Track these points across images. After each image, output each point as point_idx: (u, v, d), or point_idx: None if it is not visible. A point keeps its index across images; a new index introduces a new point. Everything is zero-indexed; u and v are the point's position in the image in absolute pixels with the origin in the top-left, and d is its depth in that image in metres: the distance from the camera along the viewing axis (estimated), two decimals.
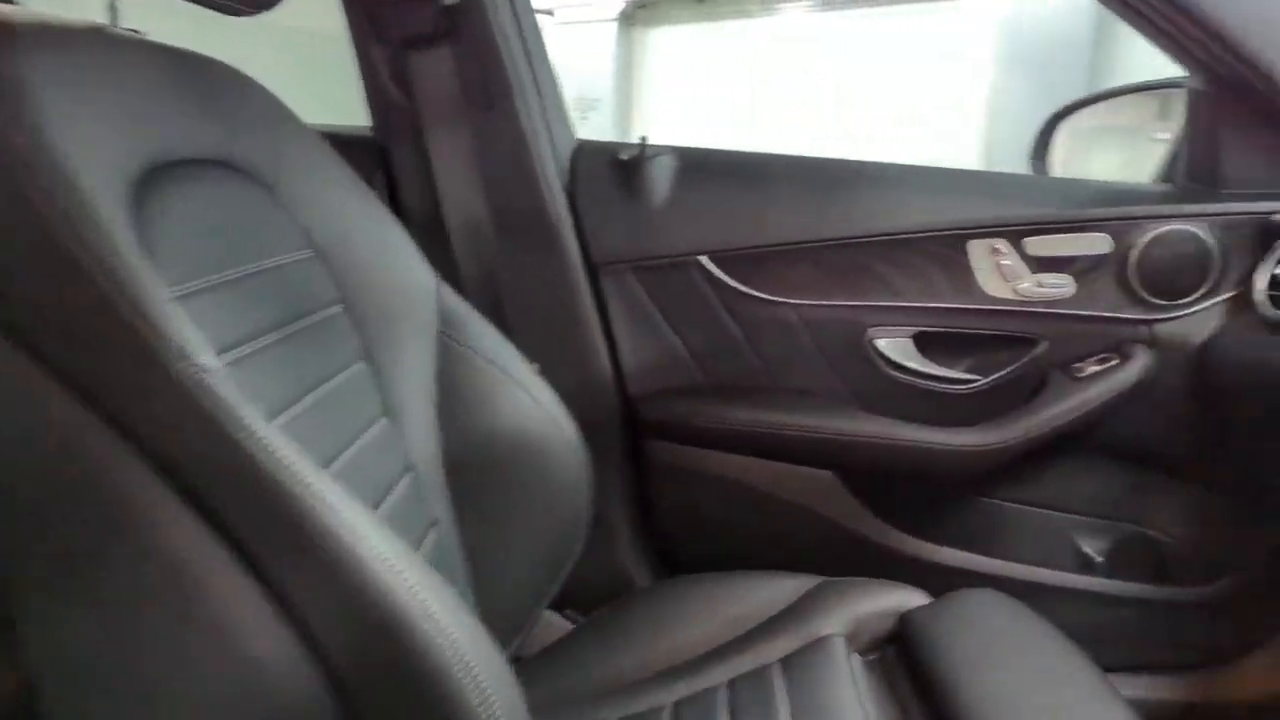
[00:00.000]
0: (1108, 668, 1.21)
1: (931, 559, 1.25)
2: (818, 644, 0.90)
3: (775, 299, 1.24)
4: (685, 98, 6.37)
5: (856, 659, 0.90)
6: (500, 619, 0.93)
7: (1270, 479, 1.12)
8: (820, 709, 0.80)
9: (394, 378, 0.89)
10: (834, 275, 1.22)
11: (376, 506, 0.77)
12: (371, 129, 1.34)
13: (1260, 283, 1.03)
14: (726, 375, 1.28)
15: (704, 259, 1.24)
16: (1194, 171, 1.13)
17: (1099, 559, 1.22)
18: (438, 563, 0.88)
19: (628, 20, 6.36)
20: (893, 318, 1.21)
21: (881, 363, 1.22)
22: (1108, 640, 1.20)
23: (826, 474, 1.24)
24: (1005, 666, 0.84)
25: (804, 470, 1.25)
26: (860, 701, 0.81)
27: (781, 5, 6.06)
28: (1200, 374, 1.09)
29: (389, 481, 0.81)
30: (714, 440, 1.27)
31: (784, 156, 1.26)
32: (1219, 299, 1.09)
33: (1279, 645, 1.16)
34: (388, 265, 0.91)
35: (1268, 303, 1.02)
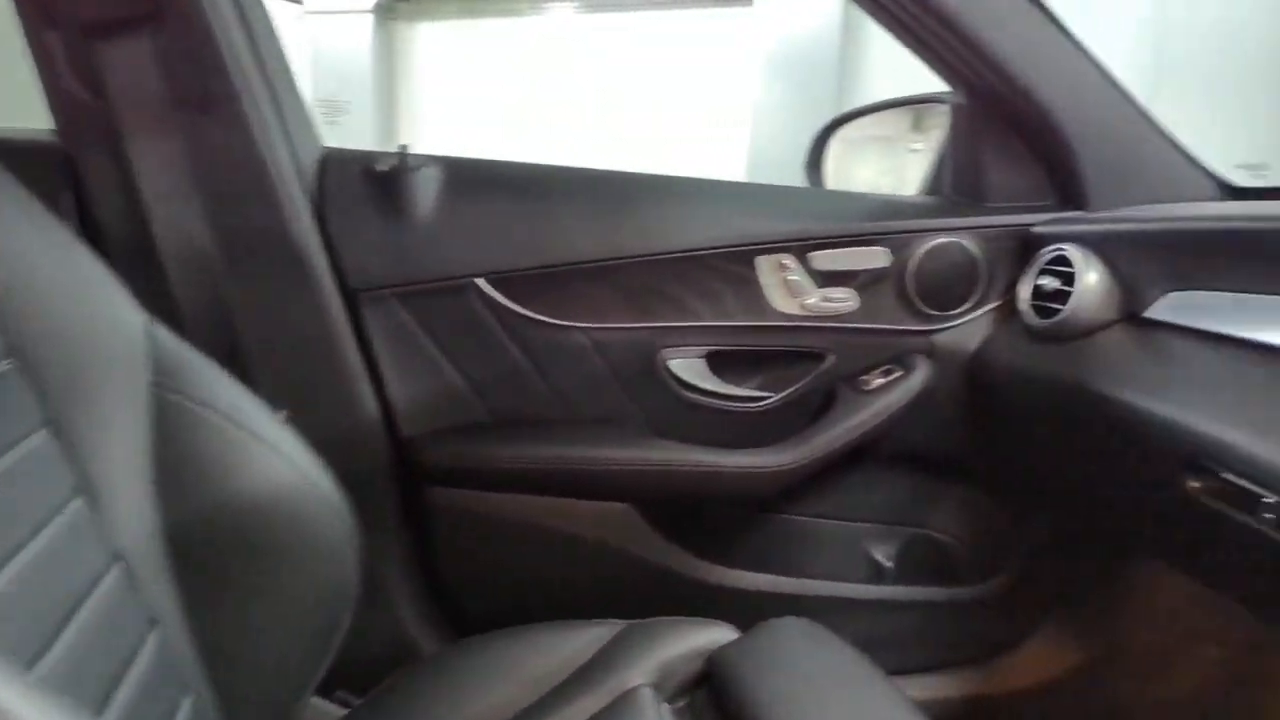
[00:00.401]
0: (900, 671, 1.24)
1: (736, 586, 1.21)
2: (624, 698, 0.82)
3: (563, 323, 1.14)
4: (451, 99, 6.14)
5: (665, 709, 0.83)
6: (254, 718, 0.76)
7: (1032, 479, 1.18)
8: None
9: (91, 447, 0.69)
10: (625, 295, 1.14)
11: (73, 613, 0.59)
12: (54, 133, 1.08)
13: (1024, 292, 1.07)
14: (512, 408, 1.17)
15: (481, 281, 1.12)
16: (959, 184, 1.17)
17: (888, 564, 1.23)
18: (161, 670, 0.70)
19: (387, 13, 6.00)
20: (685, 338, 1.15)
21: (675, 385, 1.16)
22: (900, 645, 1.23)
23: (622, 507, 1.17)
24: (812, 701, 0.81)
25: (599, 505, 1.16)
26: None
27: (549, 4, 6.00)
28: (972, 381, 1.13)
29: (90, 578, 0.63)
30: (501, 481, 1.15)
31: (566, 169, 1.16)
32: (988, 308, 1.12)
33: (1046, 634, 1.23)
34: (77, 304, 0.70)
35: (1031, 311, 1.06)
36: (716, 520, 1.23)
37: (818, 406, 1.18)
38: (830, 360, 1.16)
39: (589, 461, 1.12)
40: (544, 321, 1.13)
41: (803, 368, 1.17)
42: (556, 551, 1.17)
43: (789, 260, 1.12)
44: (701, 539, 1.22)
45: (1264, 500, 0.74)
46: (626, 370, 1.15)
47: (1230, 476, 0.78)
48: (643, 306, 1.14)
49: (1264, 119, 6.03)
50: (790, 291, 1.13)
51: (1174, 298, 0.93)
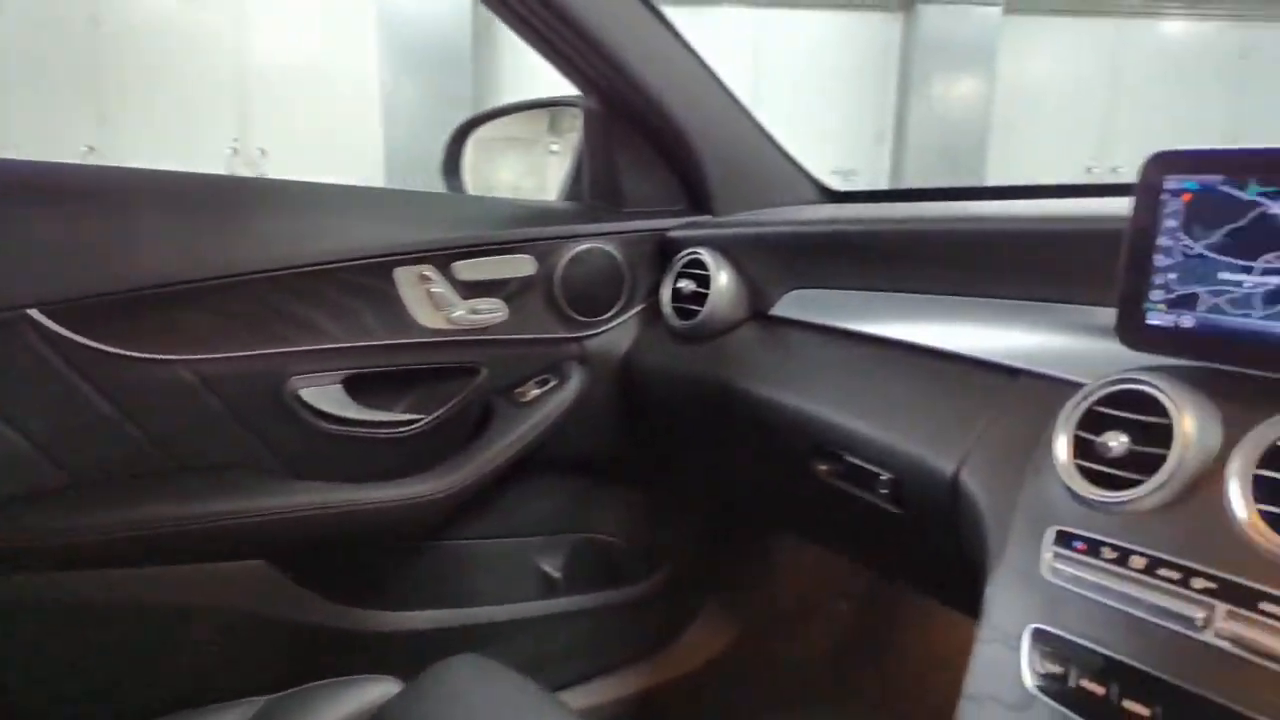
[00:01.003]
0: (575, 682, 1.22)
1: (400, 630, 1.11)
2: None
3: (158, 356, 0.94)
4: None
5: None
6: None
7: (684, 474, 1.23)
8: None
9: None
10: (238, 319, 0.97)
11: None
12: None
13: (665, 295, 1.10)
14: (96, 466, 0.94)
15: (35, 312, 0.88)
16: (597, 190, 1.17)
17: (557, 575, 1.21)
18: None
19: None
20: (317, 362, 1.02)
21: (310, 416, 1.02)
22: (572, 655, 1.21)
23: (257, 564, 1.00)
24: None
25: (227, 567, 0.99)
26: None
27: None
28: (624, 383, 1.14)
29: None
30: (85, 557, 0.92)
31: (144, 173, 0.96)
32: (634, 312, 1.14)
33: (705, 618, 1.30)
34: None
35: (673, 314, 1.09)
36: (370, 561, 1.11)
37: (475, 424, 1.11)
38: (484, 375, 1.09)
39: (208, 518, 0.94)
40: (129, 356, 0.92)
41: (455, 384, 1.09)
42: (170, 632, 0.97)
43: (431, 271, 1.03)
44: (354, 585, 1.09)
45: (880, 477, 0.82)
46: (247, 406, 0.99)
47: (851, 458, 0.85)
48: (263, 330, 0.98)
49: (851, 130, 7.14)
50: (435, 304, 1.04)
51: (794, 295, 1.01)
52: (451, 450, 1.07)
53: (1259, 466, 0.53)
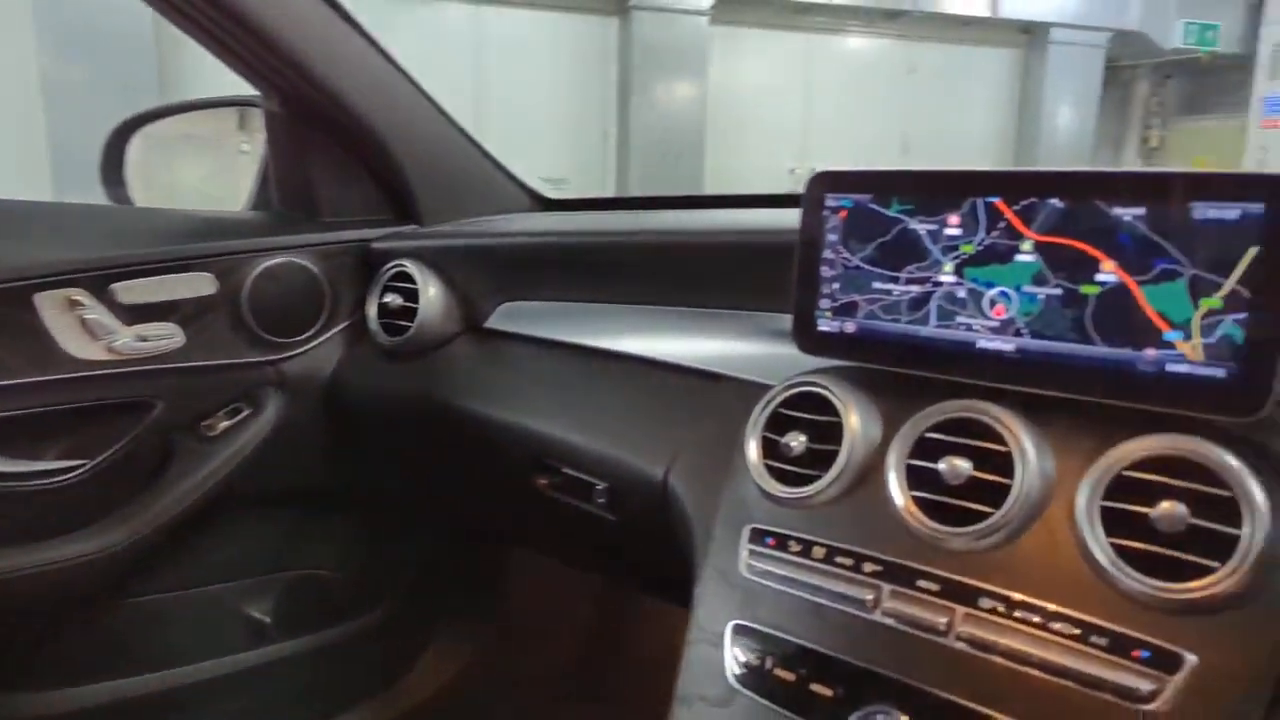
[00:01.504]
0: None
1: (70, 710, 0.95)
2: None
3: None
4: None
5: None
6: None
7: (404, 499, 1.17)
8: None
9: None
10: None
11: None
12: None
13: (371, 310, 1.04)
14: None
15: None
16: (287, 198, 1.07)
17: (267, 620, 1.11)
18: None
19: None
20: None
21: None
22: (293, 702, 1.12)
23: None
24: None
25: None
26: None
27: None
28: (330, 407, 1.06)
29: None
30: None
31: None
32: (337, 329, 1.06)
33: (440, 644, 1.25)
34: None
35: (380, 330, 1.02)
36: (28, 636, 0.94)
37: (154, 466, 0.97)
38: (159, 409, 0.96)
39: None
40: None
41: (125, 423, 0.95)
42: None
43: (82, 295, 0.89)
44: (8, 666, 0.92)
45: (597, 487, 0.83)
46: None
47: (569, 470, 0.85)
48: None
49: (580, 130, 7.24)
50: (90, 333, 0.90)
51: (508, 307, 0.99)
52: (124, 499, 0.94)
53: (910, 457, 0.59)
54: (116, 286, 0.90)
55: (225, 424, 0.98)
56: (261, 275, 0.98)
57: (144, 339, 0.92)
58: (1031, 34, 8.59)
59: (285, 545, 1.13)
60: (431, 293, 0.99)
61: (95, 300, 0.89)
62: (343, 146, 1.05)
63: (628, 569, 0.99)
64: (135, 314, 0.92)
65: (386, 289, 1.02)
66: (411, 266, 1.00)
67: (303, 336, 1.03)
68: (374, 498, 1.15)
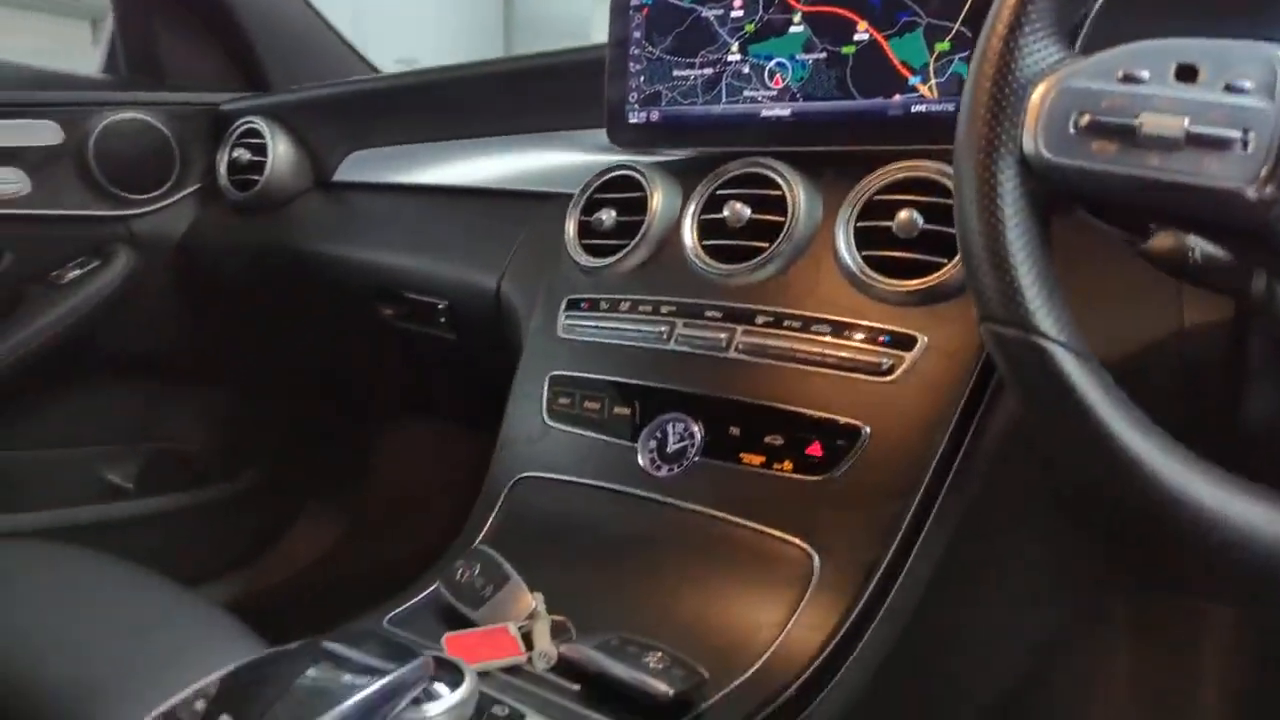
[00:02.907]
0: None
1: None
2: None
3: None
4: None
5: None
6: None
7: (264, 363, 1.18)
8: None
9: None
10: None
11: None
12: None
13: (221, 168, 1.05)
14: None
15: None
16: (134, 63, 1.08)
17: (128, 485, 1.11)
18: None
19: None
20: None
21: None
22: (148, 563, 1.12)
23: None
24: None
25: None
26: None
27: None
28: (184, 268, 1.07)
29: None
30: None
31: None
32: (189, 190, 1.07)
33: (310, 514, 1.26)
34: None
35: (230, 187, 1.04)
36: None
37: (3, 313, 0.97)
38: (7, 258, 0.96)
39: None
40: None
41: None
42: None
43: None
44: None
45: (438, 306, 0.87)
46: None
47: (412, 295, 0.90)
48: None
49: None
50: None
51: (355, 156, 1.02)
52: None
53: (702, 213, 0.66)
54: None
55: (75, 273, 0.99)
56: (108, 129, 0.99)
57: None
58: None
59: (146, 414, 1.13)
60: (280, 149, 1.01)
61: None
62: (189, 12, 1.06)
63: (474, 398, 1.02)
64: None
65: (235, 146, 1.04)
66: (260, 122, 1.02)
67: (153, 194, 1.04)
68: (234, 366, 1.16)
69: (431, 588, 0.58)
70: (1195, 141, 0.32)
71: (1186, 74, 0.33)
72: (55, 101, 0.96)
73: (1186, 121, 0.32)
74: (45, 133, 0.96)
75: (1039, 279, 0.34)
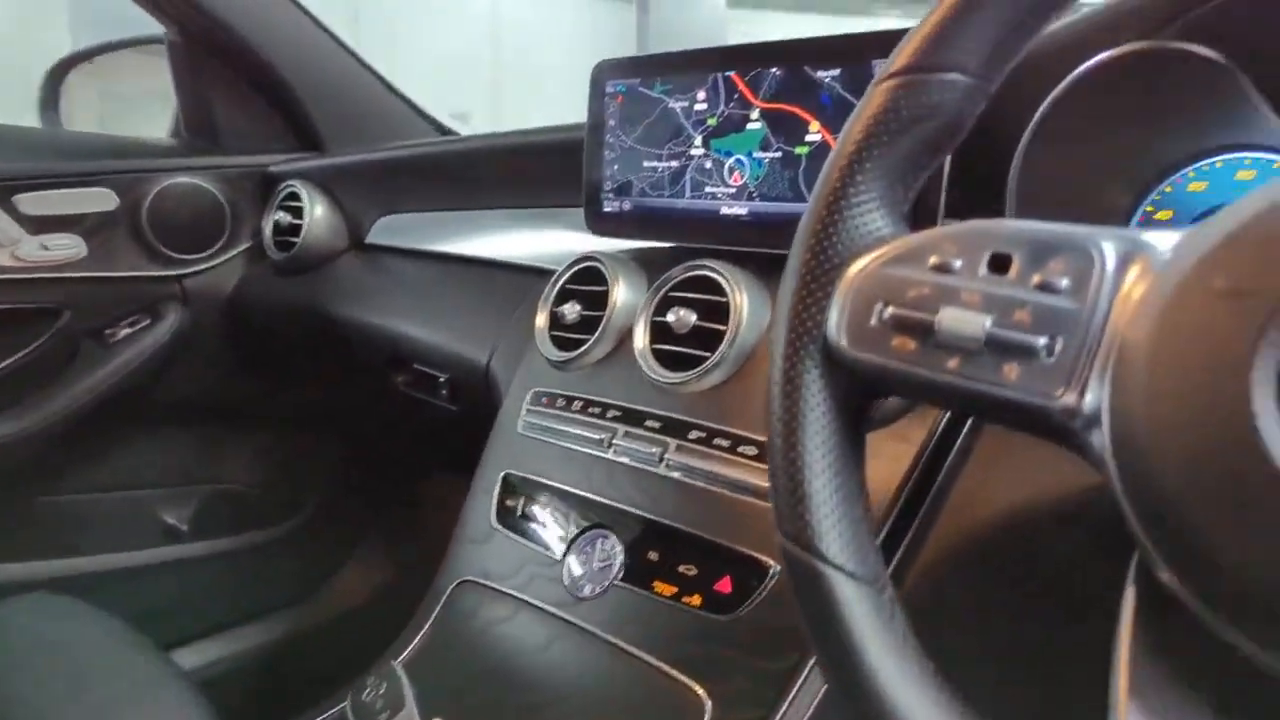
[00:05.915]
0: (206, 632, 1.18)
1: None
2: None
3: None
4: None
5: None
6: None
7: (308, 412, 1.23)
8: None
9: None
10: None
11: None
12: None
13: (266, 229, 1.10)
14: None
15: None
16: (192, 125, 1.15)
17: (183, 527, 1.18)
18: None
19: None
20: None
21: None
22: (200, 603, 1.18)
23: None
24: (53, 672, 0.72)
25: None
26: None
27: None
28: (233, 323, 1.13)
29: None
30: None
31: None
32: (239, 250, 1.13)
33: (359, 558, 1.31)
34: None
35: (273, 247, 1.09)
36: None
37: (60, 368, 1.06)
38: (67, 317, 1.04)
39: None
40: None
41: (35, 329, 1.04)
42: None
43: None
44: None
45: (439, 379, 0.89)
46: None
47: (419, 366, 0.91)
48: None
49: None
50: None
51: (385, 221, 1.05)
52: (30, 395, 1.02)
53: (655, 315, 0.64)
54: (20, 198, 0.98)
55: (126, 331, 1.06)
56: (161, 193, 1.06)
57: (47, 248, 1.00)
58: None
59: (198, 458, 1.20)
60: (318, 211, 1.06)
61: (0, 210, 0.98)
62: (241, 76, 1.11)
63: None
64: (39, 225, 1.00)
65: (279, 208, 1.09)
66: (299, 186, 1.07)
67: (203, 254, 1.10)
68: (281, 413, 1.22)
69: (343, 703, 0.59)
70: (995, 346, 0.27)
71: (999, 264, 0.28)
72: (112, 169, 1.04)
73: (988, 322, 0.27)
74: (101, 200, 1.03)
75: (834, 494, 0.31)
